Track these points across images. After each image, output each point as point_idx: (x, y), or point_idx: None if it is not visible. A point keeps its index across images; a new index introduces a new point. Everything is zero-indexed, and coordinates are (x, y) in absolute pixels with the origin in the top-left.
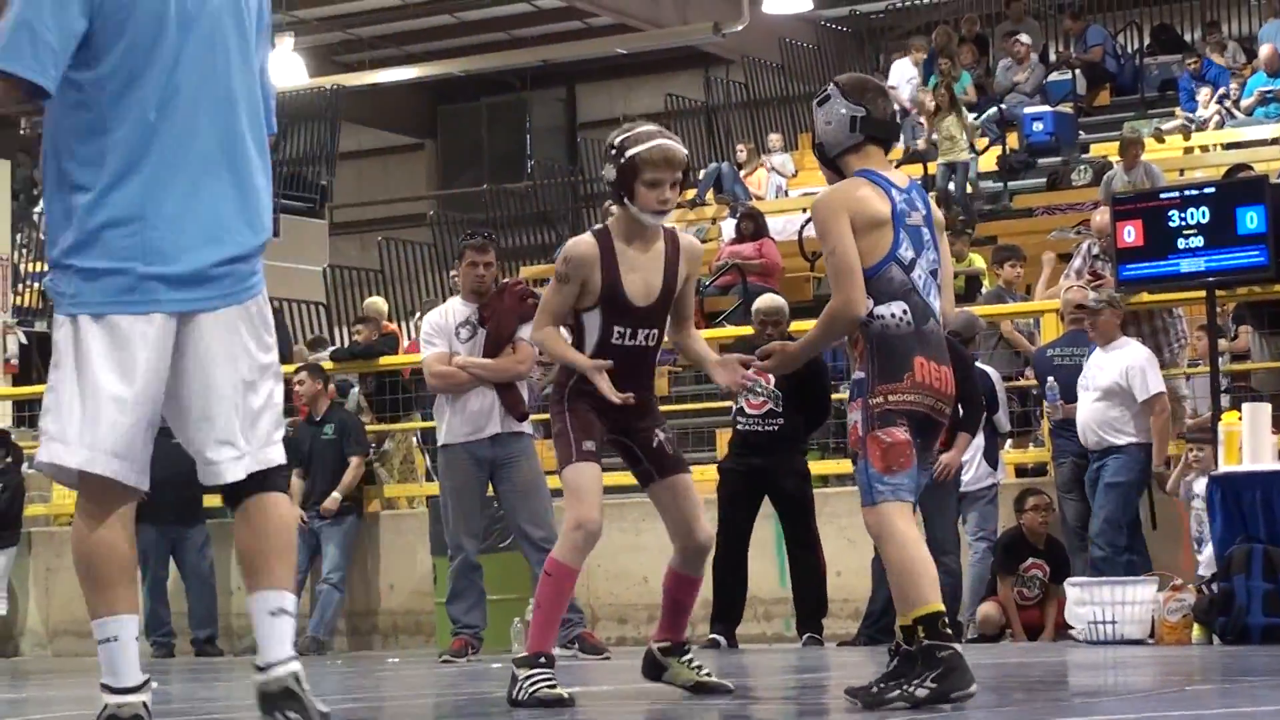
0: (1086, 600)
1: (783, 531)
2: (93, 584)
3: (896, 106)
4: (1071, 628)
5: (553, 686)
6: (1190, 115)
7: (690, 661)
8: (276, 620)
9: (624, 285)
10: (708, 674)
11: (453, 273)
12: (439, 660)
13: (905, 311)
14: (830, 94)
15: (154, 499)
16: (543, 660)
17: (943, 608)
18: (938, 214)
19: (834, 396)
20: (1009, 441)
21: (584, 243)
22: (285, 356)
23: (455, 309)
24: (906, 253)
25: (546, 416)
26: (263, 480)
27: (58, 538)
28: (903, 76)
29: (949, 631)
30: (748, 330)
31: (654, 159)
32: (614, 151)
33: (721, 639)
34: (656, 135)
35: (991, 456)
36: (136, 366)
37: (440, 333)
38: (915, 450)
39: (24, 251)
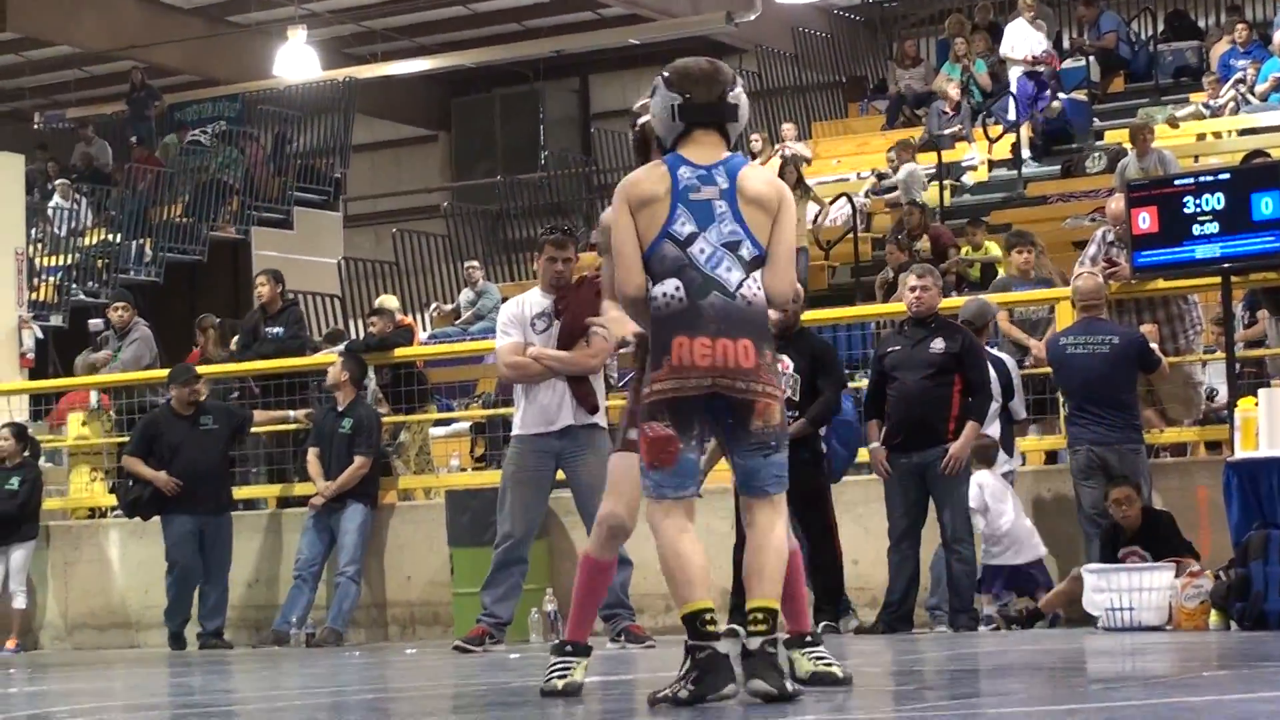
0: (1104, 587)
1: (799, 522)
2: None
3: (734, 89)
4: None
5: (563, 676)
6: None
7: (810, 653)
8: None
9: None
10: (827, 664)
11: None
12: (454, 646)
13: (678, 288)
14: (656, 85)
15: (188, 488)
16: (569, 649)
17: (707, 605)
18: (761, 189)
19: (852, 385)
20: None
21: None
22: (301, 348)
23: (532, 300)
24: (683, 228)
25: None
26: None
27: (75, 531)
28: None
29: (711, 630)
30: None
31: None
32: (633, 124)
33: (741, 630)
34: None
35: (1008, 444)
36: None
37: (515, 323)
38: (688, 439)
39: (39, 246)
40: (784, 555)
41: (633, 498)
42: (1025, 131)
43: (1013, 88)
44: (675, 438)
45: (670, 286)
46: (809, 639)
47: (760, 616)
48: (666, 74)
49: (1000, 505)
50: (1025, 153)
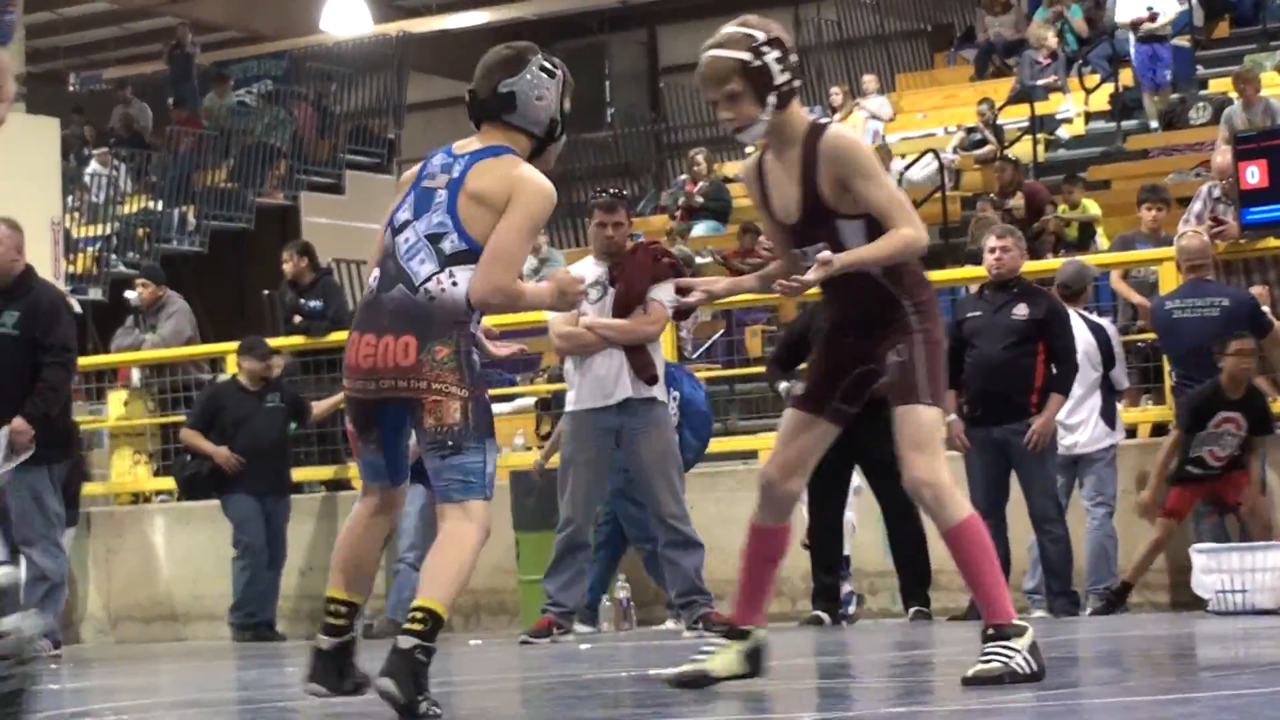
0: (1214, 568)
1: (880, 500)
2: None
3: (513, 77)
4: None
5: (694, 661)
6: None
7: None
8: None
9: (772, 204)
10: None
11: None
12: (520, 640)
13: (374, 279)
14: None
15: (250, 467)
16: (729, 632)
17: (333, 593)
18: (484, 184)
19: (701, 374)
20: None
21: (745, 164)
22: (342, 320)
23: (585, 268)
24: (401, 215)
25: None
26: None
27: (118, 517)
28: None
29: (330, 620)
30: None
31: (697, 84)
32: None
33: (825, 616)
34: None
35: (1109, 416)
36: None
37: None
38: (366, 440)
39: (76, 215)
40: (462, 564)
41: (789, 457)
42: (1151, 103)
43: (1131, 55)
44: (352, 433)
45: (370, 278)
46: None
47: (418, 616)
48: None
49: None
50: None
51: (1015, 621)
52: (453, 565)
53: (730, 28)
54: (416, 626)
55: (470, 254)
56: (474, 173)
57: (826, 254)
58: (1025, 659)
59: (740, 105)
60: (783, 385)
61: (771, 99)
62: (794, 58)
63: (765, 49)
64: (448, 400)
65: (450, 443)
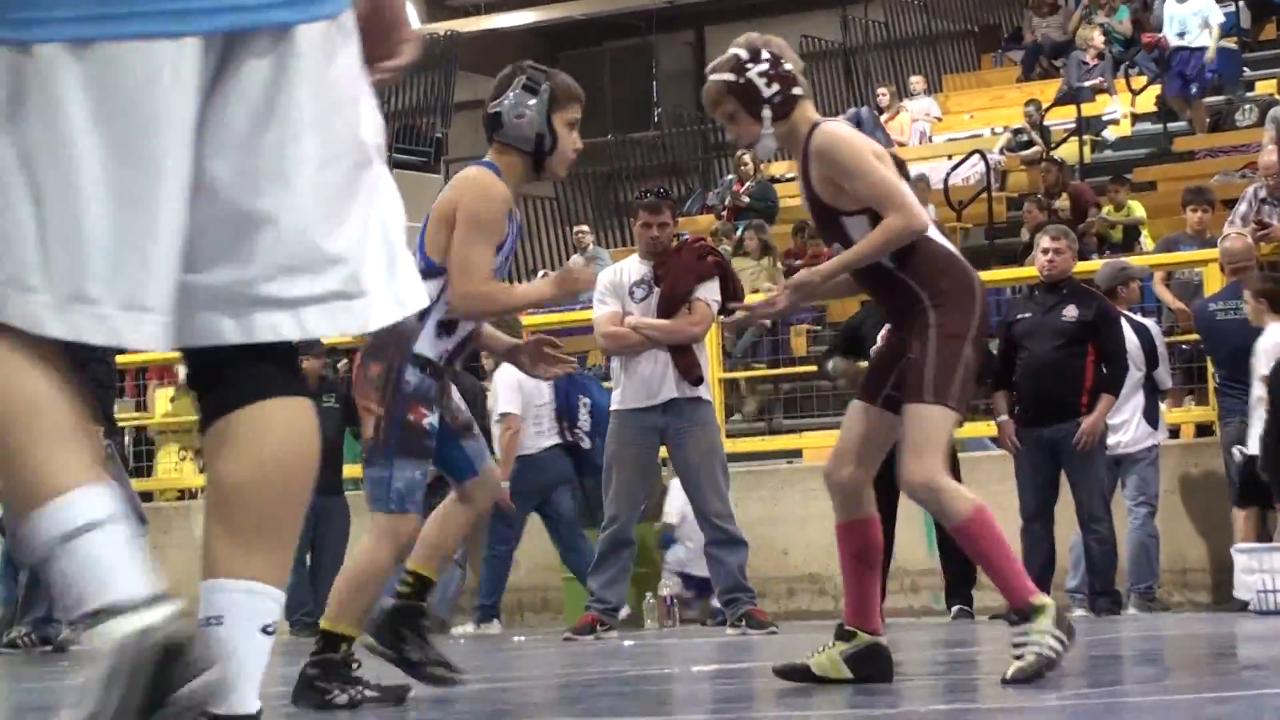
0: (1255, 568)
1: None
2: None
3: (500, 100)
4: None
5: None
6: None
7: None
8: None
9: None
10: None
11: (574, 232)
12: (564, 638)
13: None
14: None
15: None
16: (837, 633)
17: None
18: (438, 201)
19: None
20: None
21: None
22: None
23: (630, 267)
24: None
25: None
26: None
27: (164, 514)
28: None
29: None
30: None
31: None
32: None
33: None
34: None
35: (1152, 416)
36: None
37: (613, 291)
38: None
39: None
40: (353, 580)
41: (842, 445)
42: (1186, 109)
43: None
44: None
45: None
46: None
47: (317, 640)
48: None
49: None
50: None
51: (1035, 600)
52: (347, 583)
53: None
54: (314, 650)
55: (426, 272)
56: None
57: (798, 276)
58: (1055, 637)
59: (739, 124)
60: (830, 363)
61: (765, 113)
62: (788, 65)
63: (750, 65)
64: (366, 415)
65: (366, 455)
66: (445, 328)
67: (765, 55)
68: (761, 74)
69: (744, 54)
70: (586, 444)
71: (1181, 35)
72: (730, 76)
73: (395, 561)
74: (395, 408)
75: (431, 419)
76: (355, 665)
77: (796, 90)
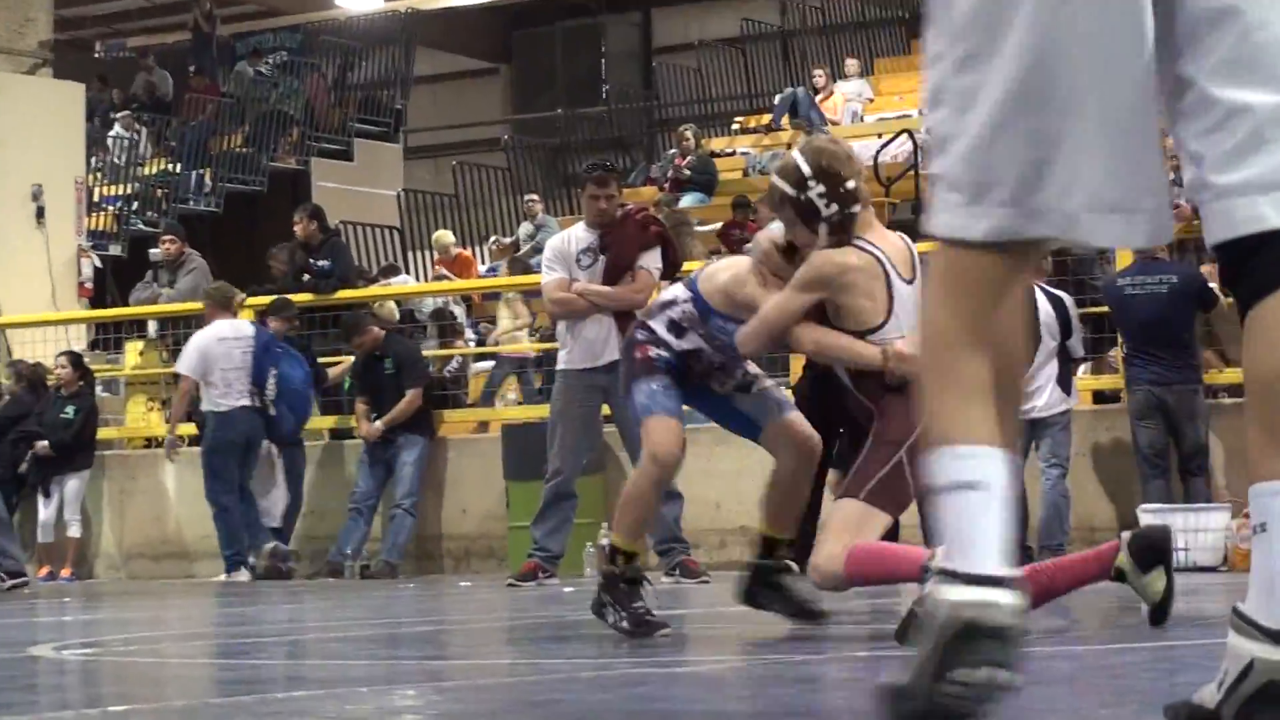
0: None
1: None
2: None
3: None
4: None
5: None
6: None
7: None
8: None
9: None
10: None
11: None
12: (508, 584)
13: None
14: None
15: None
16: None
17: None
18: None
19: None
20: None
21: None
22: (350, 282)
23: (577, 235)
24: None
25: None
26: None
27: (131, 460)
28: None
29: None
30: None
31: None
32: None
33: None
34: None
35: (1065, 382)
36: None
37: (560, 259)
38: None
39: (98, 175)
40: None
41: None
42: None
43: None
44: None
45: None
46: None
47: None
48: None
49: None
50: None
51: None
52: None
53: (792, 152)
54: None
55: None
56: None
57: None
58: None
59: (795, 231)
60: None
61: (822, 229)
62: (851, 185)
63: (811, 184)
64: None
65: None
66: None
67: (831, 172)
68: (821, 195)
69: (806, 169)
70: (273, 411)
71: None
72: (791, 192)
73: None
74: None
75: None
76: None
77: (855, 209)
